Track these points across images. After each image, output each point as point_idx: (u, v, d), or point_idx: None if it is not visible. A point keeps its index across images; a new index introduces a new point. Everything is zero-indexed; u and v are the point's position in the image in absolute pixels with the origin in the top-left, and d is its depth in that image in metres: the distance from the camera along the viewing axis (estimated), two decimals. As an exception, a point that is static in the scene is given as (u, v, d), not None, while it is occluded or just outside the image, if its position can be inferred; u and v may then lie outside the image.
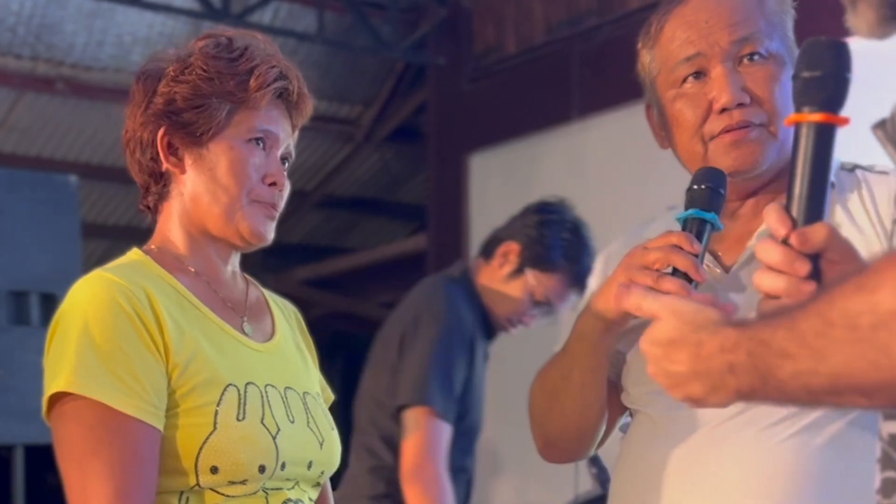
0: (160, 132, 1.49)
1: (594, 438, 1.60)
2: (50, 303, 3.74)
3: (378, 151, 6.42)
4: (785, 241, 1.10)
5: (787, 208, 1.12)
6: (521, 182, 5.02)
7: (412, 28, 5.55)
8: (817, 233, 1.11)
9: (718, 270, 1.48)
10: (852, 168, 1.52)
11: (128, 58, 5.50)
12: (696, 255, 1.37)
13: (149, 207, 1.55)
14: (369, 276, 7.17)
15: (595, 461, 2.99)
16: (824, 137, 1.12)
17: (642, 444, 1.50)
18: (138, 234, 5.60)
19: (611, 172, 4.41)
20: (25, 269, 3.73)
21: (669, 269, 1.37)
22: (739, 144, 1.46)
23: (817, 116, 1.11)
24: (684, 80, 1.49)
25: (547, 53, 4.82)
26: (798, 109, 1.12)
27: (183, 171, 1.49)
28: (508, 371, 5.10)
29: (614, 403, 1.58)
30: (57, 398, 1.36)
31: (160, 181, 1.51)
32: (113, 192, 6.27)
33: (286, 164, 1.54)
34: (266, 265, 7.26)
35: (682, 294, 1.31)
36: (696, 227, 1.39)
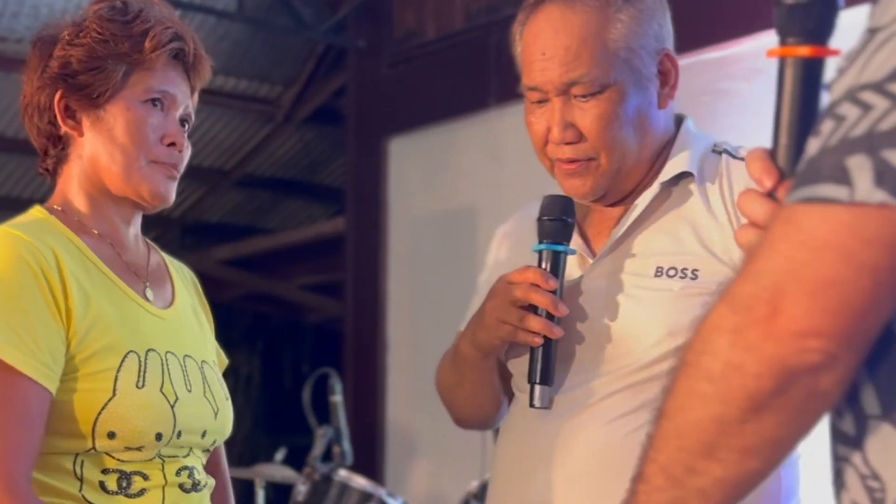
0: (57, 95, 1.50)
1: (497, 418, 1.70)
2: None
3: (298, 132, 6.38)
4: (771, 195, 0.96)
5: (772, 157, 0.97)
6: (439, 167, 5.04)
7: (333, 10, 5.52)
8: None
9: (588, 259, 1.57)
10: (721, 151, 1.59)
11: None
12: (554, 291, 1.48)
13: (48, 171, 1.56)
14: (289, 257, 7.14)
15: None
16: (812, 73, 0.95)
17: (510, 430, 1.61)
18: (19, 204, 5.54)
19: (527, 160, 4.39)
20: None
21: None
22: (571, 176, 1.55)
23: (804, 50, 0.95)
24: (533, 101, 1.57)
25: (466, 40, 4.83)
26: (782, 41, 0.96)
27: (81, 134, 1.51)
28: (422, 357, 5.14)
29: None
30: None
31: (58, 144, 1.53)
32: (27, 165, 6.14)
33: (186, 126, 1.56)
34: (184, 243, 7.17)
35: (546, 332, 1.45)
36: (550, 260, 1.51)
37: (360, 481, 3.32)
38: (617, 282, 1.52)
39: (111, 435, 1.41)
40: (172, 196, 1.54)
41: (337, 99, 5.97)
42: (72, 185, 1.53)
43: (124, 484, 1.44)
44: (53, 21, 1.56)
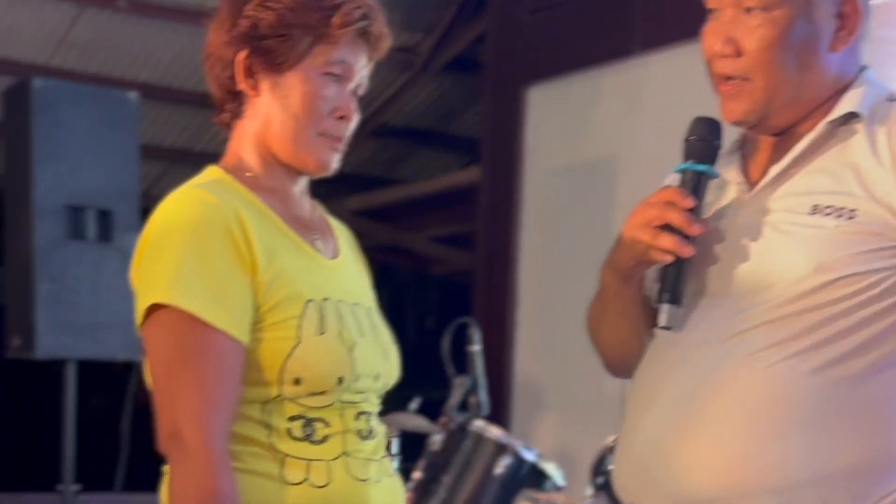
0: (241, 55, 1.54)
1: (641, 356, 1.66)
2: (106, 219, 3.77)
3: (435, 80, 6.36)
4: None
5: None
6: (579, 117, 4.96)
7: (475, -44, 5.47)
8: None
9: (745, 192, 1.56)
10: (893, 99, 1.56)
11: (190, -23, 5.47)
12: (692, 210, 1.48)
13: (224, 123, 1.61)
14: (420, 208, 7.16)
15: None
16: None
17: (644, 366, 1.59)
18: (193, 156, 5.64)
19: (670, 110, 4.32)
20: (83, 184, 3.75)
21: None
22: (728, 98, 1.55)
23: None
24: (709, 13, 1.55)
25: (610, -14, 4.73)
26: None
27: (257, 95, 1.55)
28: (552, 312, 5.09)
29: None
30: (151, 309, 1.43)
31: (235, 100, 1.57)
32: (169, 113, 6.28)
33: (355, 97, 1.60)
34: (317, 193, 7.23)
35: (677, 250, 1.44)
36: (691, 180, 1.51)
37: (495, 432, 3.32)
38: (769, 216, 1.50)
39: (297, 381, 1.46)
40: (334, 166, 1.59)
41: (476, 47, 5.92)
42: (244, 144, 1.58)
43: (308, 431, 1.48)
44: None
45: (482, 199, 5.51)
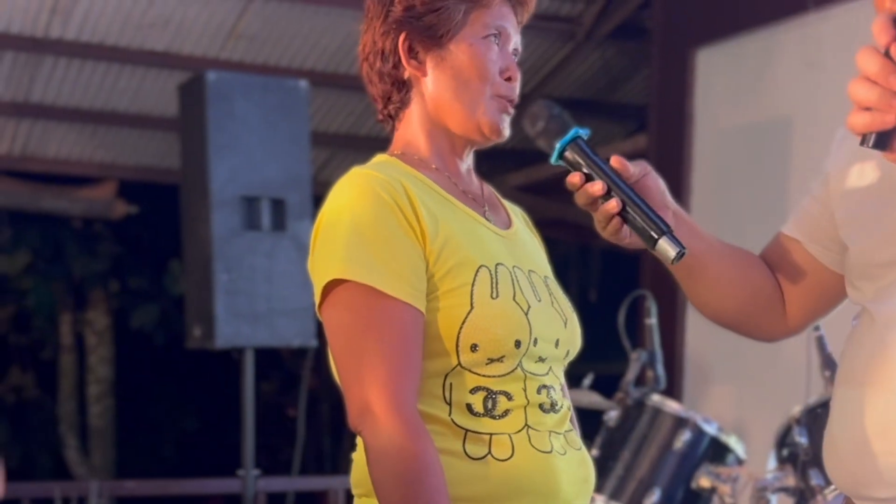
0: (401, 38, 1.57)
1: (762, 317, 1.61)
2: (280, 208, 3.84)
3: (599, 49, 6.24)
4: (886, 53, 1.07)
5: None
6: (751, 79, 4.77)
7: (637, -81, 5.33)
8: None
9: None
10: None
11: (351, -39, 5.52)
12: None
13: (390, 116, 1.63)
14: (586, 181, 7.05)
15: (830, 363, 2.87)
16: None
17: (859, 345, 1.47)
18: (357, 141, 5.70)
19: (849, 66, 4.10)
20: (257, 174, 3.83)
21: None
22: None
23: None
24: None
25: (781, -60, 4.52)
26: None
27: (424, 74, 1.57)
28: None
29: (815, 286, 1.59)
30: (329, 288, 1.45)
31: (402, 89, 1.59)
32: (334, 99, 6.38)
33: (516, 58, 1.61)
34: (479, 169, 7.23)
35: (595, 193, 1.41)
36: None
37: (673, 406, 3.23)
38: None
39: (473, 347, 1.45)
40: (508, 131, 1.59)
41: (640, 13, 5.78)
42: (411, 128, 1.60)
43: (489, 405, 1.47)
44: None
45: (651, 166, 5.39)
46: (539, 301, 1.53)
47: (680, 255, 1.40)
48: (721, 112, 4.96)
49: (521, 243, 1.63)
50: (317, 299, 1.48)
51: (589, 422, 3.77)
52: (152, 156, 6.71)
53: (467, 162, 1.63)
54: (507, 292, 1.49)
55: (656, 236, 1.42)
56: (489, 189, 1.69)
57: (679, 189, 5.08)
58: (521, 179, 7.13)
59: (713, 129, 5.01)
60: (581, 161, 1.51)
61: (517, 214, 1.72)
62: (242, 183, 3.80)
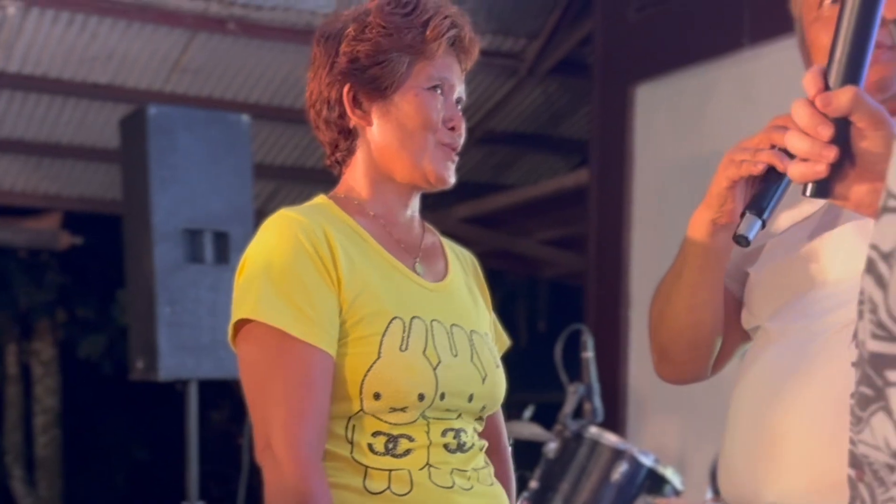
0: (345, 89, 1.58)
1: (707, 349, 1.56)
2: (223, 241, 3.85)
3: (541, 85, 6.33)
4: (813, 104, 1.11)
5: (826, 73, 1.12)
6: (690, 114, 4.87)
7: (578, -43, 5.43)
8: (841, 97, 1.11)
9: None
10: None
11: (296, -3, 5.56)
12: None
13: (337, 162, 1.65)
14: (528, 212, 7.14)
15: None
16: (868, 5, 1.10)
17: (754, 356, 1.49)
18: (304, 173, 5.71)
19: (785, 102, 4.20)
20: (199, 207, 3.83)
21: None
22: (871, 64, 1.38)
23: None
24: (822, 2, 1.46)
25: (717, -22, 4.63)
26: None
27: (370, 124, 1.59)
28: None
29: (734, 324, 1.56)
30: (241, 325, 1.48)
31: (349, 137, 1.61)
32: (280, 131, 6.39)
33: (459, 107, 1.62)
34: (425, 203, 7.25)
35: (775, 162, 1.32)
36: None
37: (610, 438, 3.28)
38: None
39: (377, 395, 1.47)
40: (453, 178, 1.61)
41: (581, 49, 5.87)
42: (356, 174, 1.62)
43: (391, 446, 1.49)
44: (331, 17, 1.64)
45: (592, 201, 5.46)
46: (455, 356, 1.54)
47: (740, 238, 1.32)
48: (661, 147, 5.05)
49: (451, 297, 1.63)
50: (230, 334, 1.51)
51: (529, 453, 3.81)
52: (97, 187, 6.68)
53: (412, 208, 1.65)
54: (417, 346, 1.50)
55: (752, 211, 1.32)
56: (433, 238, 1.70)
57: (620, 222, 5.15)
58: (468, 212, 7.18)
59: (653, 163, 5.09)
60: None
61: (465, 264, 1.72)
62: (185, 216, 3.81)
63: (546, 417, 3.46)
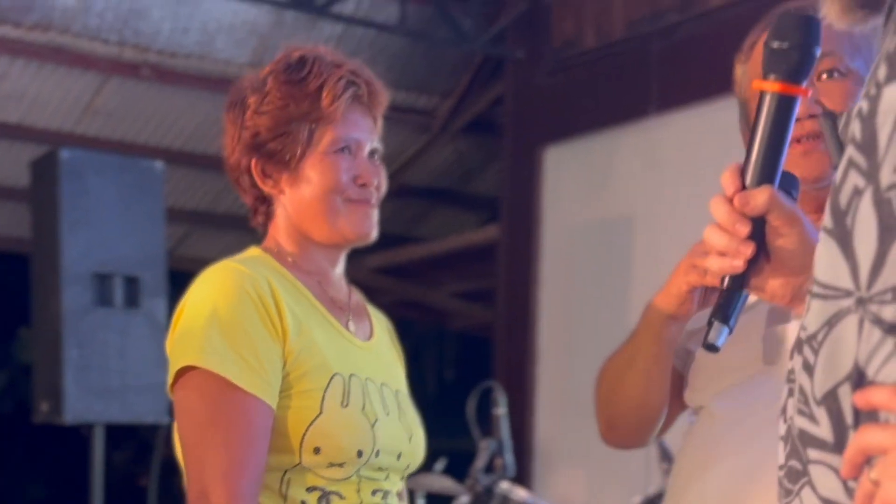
0: (252, 162, 1.59)
1: (654, 424, 1.62)
2: (133, 285, 3.83)
3: (453, 142, 6.45)
4: (731, 202, 1.16)
5: (743, 172, 1.17)
6: (597, 177, 5.02)
7: (492, 21, 5.57)
8: (758, 196, 1.17)
9: None
10: None
11: (212, 45, 5.59)
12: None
13: (261, 224, 1.66)
14: (439, 265, 7.22)
15: (667, 456, 3.02)
16: (784, 106, 1.15)
17: (699, 437, 1.54)
18: (215, 218, 5.69)
19: (687, 169, 4.39)
20: (110, 251, 3.82)
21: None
22: (809, 154, 1.49)
23: (778, 86, 1.15)
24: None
25: (626, 49, 4.81)
26: (764, 77, 1.16)
27: (282, 192, 1.60)
28: (574, 368, 5.11)
29: (676, 397, 1.61)
30: (183, 372, 1.47)
31: (266, 202, 1.62)
32: (193, 176, 6.38)
33: (376, 157, 1.62)
34: (339, 252, 7.31)
35: (727, 270, 1.30)
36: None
37: (521, 493, 3.34)
38: None
39: (317, 450, 1.48)
40: (374, 231, 1.61)
41: (493, 109, 6.01)
42: (281, 234, 1.63)
43: (323, 502, 1.51)
44: (239, 82, 1.64)
45: (501, 257, 5.56)
46: (387, 415, 1.57)
47: (710, 346, 1.34)
48: (569, 207, 5.18)
49: (379, 355, 1.66)
50: (170, 381, 1.50)
51: (443, 506, 3.84)
52: (3, 225, 6.57)
53: (339, 266, 1.65)
54: (357, 403, 1.52)
55: (718, 319, 1.32)
56: (358, 298, 1.71)
57: (528, 279, 5.26)
58: (380, 261, 7.22)
59: (561, 223, 5.22)
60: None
61: (382, 325, 1.74)
62: (95, 259, 3.79)
63: (461, 462, 3.51)
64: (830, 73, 1.48)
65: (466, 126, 6.24)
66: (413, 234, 7.36)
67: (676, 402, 1.62)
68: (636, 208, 4.75)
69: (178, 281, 4.26)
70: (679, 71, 4.49)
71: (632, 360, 1.57)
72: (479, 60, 5.96)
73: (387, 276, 7.25)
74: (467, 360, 7.88)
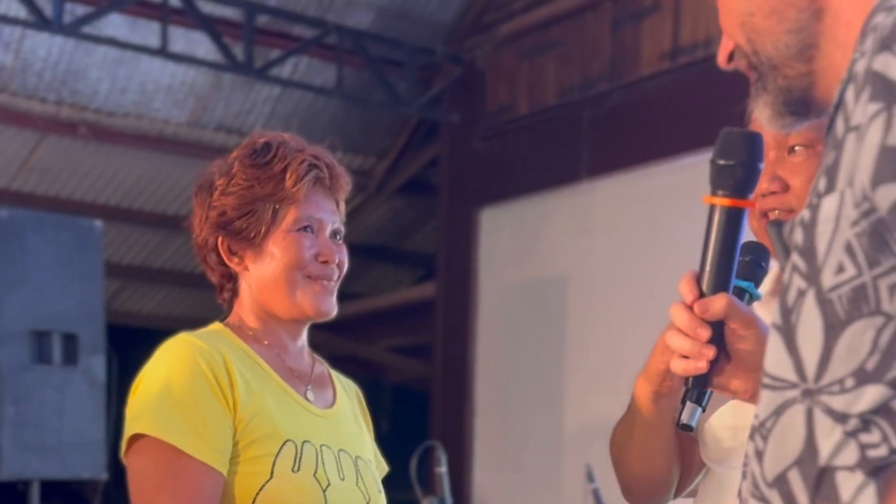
0: (219, 240, 1.66)
1: (665, 486, 1.65)
2: (71, 342, 3.84)
3: (389, 202, 6.56)
4: (691, 308, 1.23)
5: (699, 279, 1.24)
6: (530, 239, 5.15)
7: (427, 85, 5.70)
8: (716, 303, 1.24)
9: None
10: None
11: (150, 105, 5.65)
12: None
13: (226, 300, 1.72)
14: (375, 320, 7.28)
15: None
16: (733, 219, 1.23)
17: (708, 499, 1.59)
18: (150, 273, 5.68)
19: (618, 233, 4.53)
20: (48, 308, 3.83)
21: None
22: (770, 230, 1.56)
23: (727, 201, 1.22)
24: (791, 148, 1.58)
25: (558, 115, 4.96)
26: (713, 192, 1.23)
27: (247, 269, 1.66)
28: (509, 423, 5.19)
29: (691, 453, 1.64)
30: (135, 439, 1.54)
31: (231, 280, 1.69)
32: (128, 232, 6.39)
33: (339, 237, 1.69)
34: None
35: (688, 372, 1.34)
36: (737, 296, 1.44)
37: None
38: None
39: None
40: (333, 309, 1.68)
41: (427, 170, 6.13)
42: (244, 310, 1.69)
43: None
44: (207, 169, 1.72)
45: (438, 315, 5.65)
46: (342, 480, 1.61)
47: (684, 427, 1.37)
48: (503, 267, 5.30)
49: (339, 423, 1.71)
50: (123, 447, 1.56)
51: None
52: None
53: (301, 339, 1.71)
54: (308, 468, 1.57)
55: (690, 399, 1.35)
56: (322, 369, 1.77)
57: (465, 336, 5.35)
58: (315, 318, 7.26)
59: (496, 282, 5.33)
60: None
61: (350, 394, 1.81)
62: (33, 317, 3.80)
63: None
64: (793, 147, 1.55)
65: (402, 186, 6.35)
66: (348, 290, 7.39)
67: (692, 458, 1.64)
68: (569, 269, 4.88)
69: (113, 335, 4.25)
70: (609, 137, 4.65)
71: (630, 432, 1.59)
72: (415, 123, 6.09)
73: (322, 331, 7.24)
74: (402, 412, 7.93)
